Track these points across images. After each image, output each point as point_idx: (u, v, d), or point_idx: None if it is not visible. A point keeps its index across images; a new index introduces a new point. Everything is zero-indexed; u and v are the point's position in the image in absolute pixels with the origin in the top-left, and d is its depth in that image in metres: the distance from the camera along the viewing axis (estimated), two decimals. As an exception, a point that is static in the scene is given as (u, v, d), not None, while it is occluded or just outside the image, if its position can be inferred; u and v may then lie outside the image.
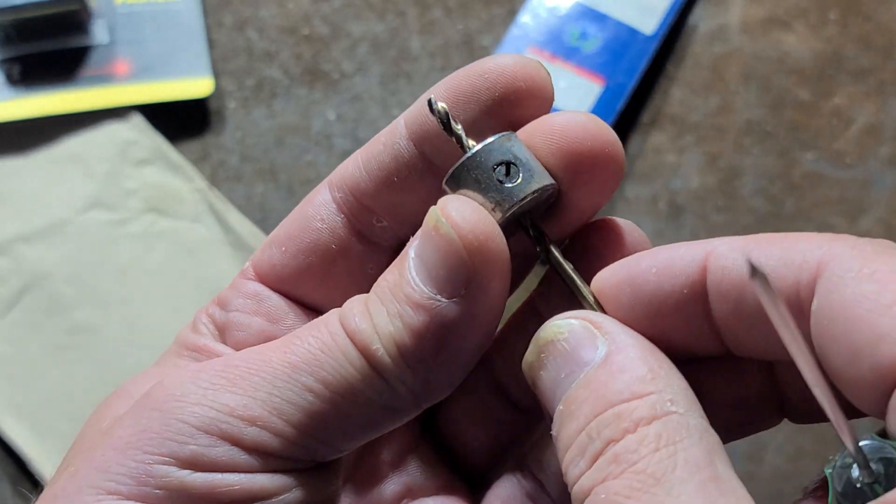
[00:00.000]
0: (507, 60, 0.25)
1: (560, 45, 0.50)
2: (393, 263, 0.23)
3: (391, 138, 0.25)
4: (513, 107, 0.24)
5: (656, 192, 0.50)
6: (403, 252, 0.23)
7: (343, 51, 0.53)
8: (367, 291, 0.23)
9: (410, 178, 0.24)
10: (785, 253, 0.23)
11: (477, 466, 0.27)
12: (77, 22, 0.50)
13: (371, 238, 0.25)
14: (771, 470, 0.45)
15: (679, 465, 0.19)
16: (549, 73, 0.25)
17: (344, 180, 0.25)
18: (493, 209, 0.23)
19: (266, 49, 0.53)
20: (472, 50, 0.53)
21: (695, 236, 0.49)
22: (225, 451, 0.21)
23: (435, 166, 0.24)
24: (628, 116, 0.51)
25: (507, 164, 0.23)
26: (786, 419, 0.24)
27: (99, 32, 0.51)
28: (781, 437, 0.46)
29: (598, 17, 0.51)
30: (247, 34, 0.53)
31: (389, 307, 0.22)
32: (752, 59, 0.52)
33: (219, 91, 0.52)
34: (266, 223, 0.49)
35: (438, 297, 0.22)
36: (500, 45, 0.50)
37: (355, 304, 0.23)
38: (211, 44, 0.52)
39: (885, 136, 0.51)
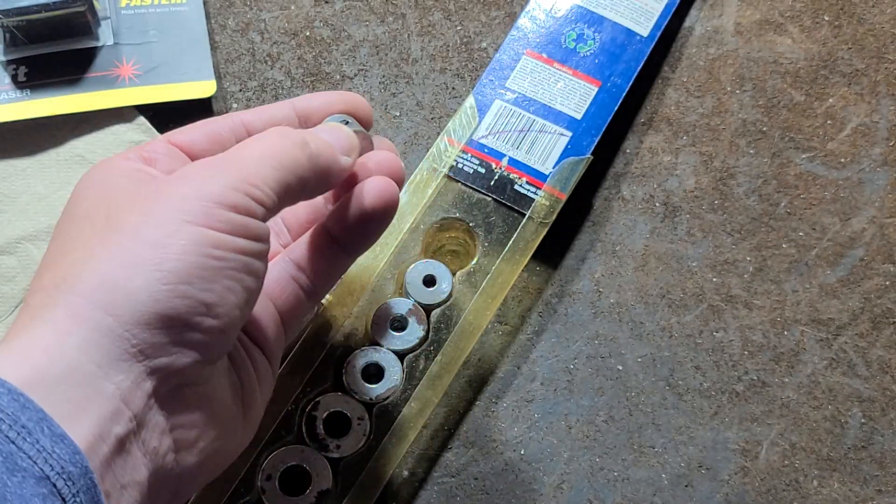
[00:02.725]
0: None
1: (557, 48, 0.50)
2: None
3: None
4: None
5: (652, 192, 0.50)
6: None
7: (344, 53, 0.53)
8: None
9: None
10: None
11: None
12: (82, 24, 0.50)
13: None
14: (765, 465, 0.46)
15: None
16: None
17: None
18: None
19: (268, 51, 0.53)
20: (472, 52, 0.53)
21: (690, 235, 0.50)
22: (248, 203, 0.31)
23: None
24: (625, 118, 0.52)
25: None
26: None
27: (104, 34, 0.51)
28: (775, 432, 0.46)
29: (596, 20, 0.51)
30: (249, 37, 0.54)
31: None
32: (746, 61, 0.53)
33: (222, 93, 0.52)
34: (268, 223, 0.49)
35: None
36: (499, 51, 0.51)
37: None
38: (214, 46, 0.53)
39: (878, 136, 0.51)
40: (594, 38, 0.50)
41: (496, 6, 0.54)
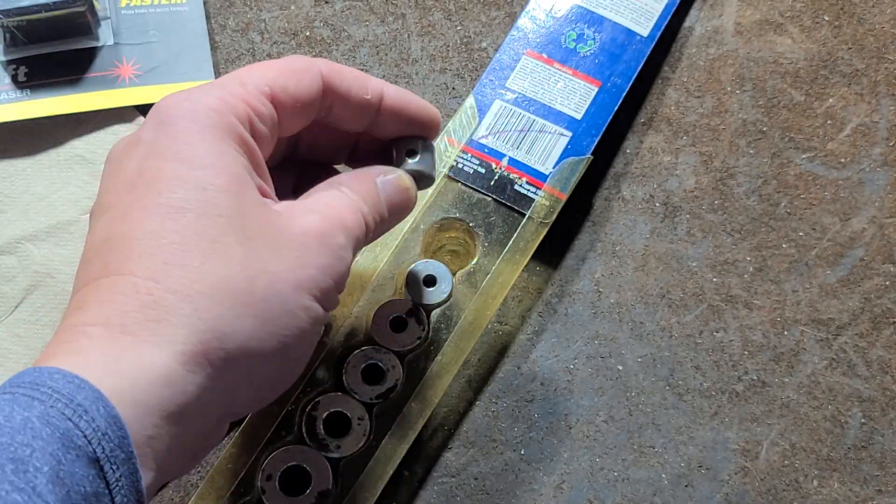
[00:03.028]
0: None
1: (557, 48, 0.50)
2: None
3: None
4: None
5: (652, 192, 0.51)
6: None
7: (344, 53, 0.53)
8: None
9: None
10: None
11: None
12: (82, 24, 0.50)
13: None
14: (765, 465, 0.46)
15: None
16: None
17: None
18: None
19: (268, 52, 0.53)
20: (471, 52, 0.53)
21: (690, 235, 0.50)
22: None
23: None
24: (625, 118, 0.52)
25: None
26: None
27: (104, 34, 0.51)
28: (775, 432, 0.46)
29: (596, 20, 0.51)
30: (250, 37, 0.54)
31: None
32: (746, 61, 0.53)
33: (222, 92, 0.52)
34: (268, 223, 0.49)
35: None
36: (499, 51, 0.51)
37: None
38: (214, 46, 0.53)
39: (878, 136, 0.51)
40: (594, 38, 0.50)
41: (496, 6, 0.54)
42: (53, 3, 0.48)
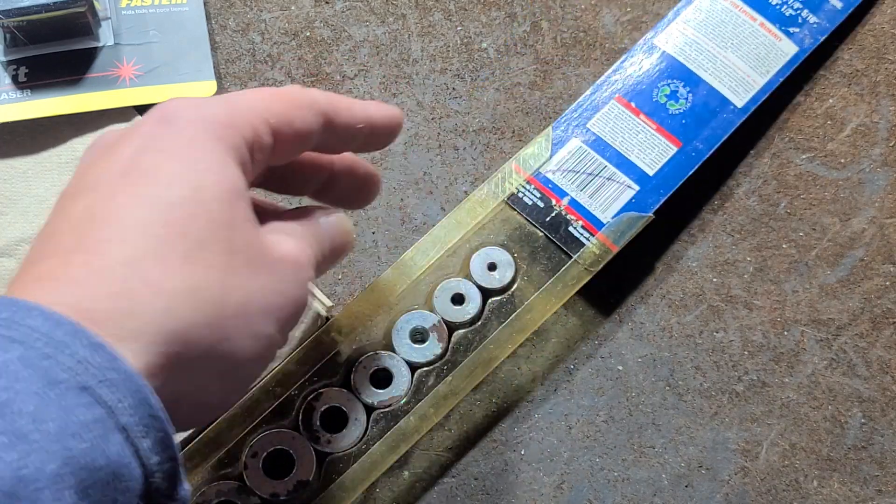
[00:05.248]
0: None
1: (647, 101, 0.49)
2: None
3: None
4: None
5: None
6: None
7: (344, 54, 0.53)
8: None
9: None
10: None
11: None
12: (82, 24, 0.50)
13: None
14: (765, 466, 0.46)
15: None
16: None
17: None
18: None
19: (269, 52, 0.53)
20: (472, 53, 0.53)
21: (690, 235, 0.50)
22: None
23: None
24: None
25: None
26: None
27: (104, 35, 0.51)
28: (775, 433, 0.46)
29: (693, 80, 0.50)
30: (250, 37, 0.54)
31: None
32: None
33: (222, 93, 0.52)
34: (269, 223, 0.49)
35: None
36: (592, 89, 0.49)
37: None
38: (214, 46, 0.53)
39: (878, 137, 0.52)
40: (687, 98, 0.49)
41: (496, 6, 0.54)
42: (54, 3, 0.48)
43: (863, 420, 0.46)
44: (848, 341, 0.48)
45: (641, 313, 0.48)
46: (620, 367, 0.47)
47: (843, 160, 0.51)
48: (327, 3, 0.54)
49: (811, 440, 0.46)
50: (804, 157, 0.51)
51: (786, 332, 0.48)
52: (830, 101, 0.52)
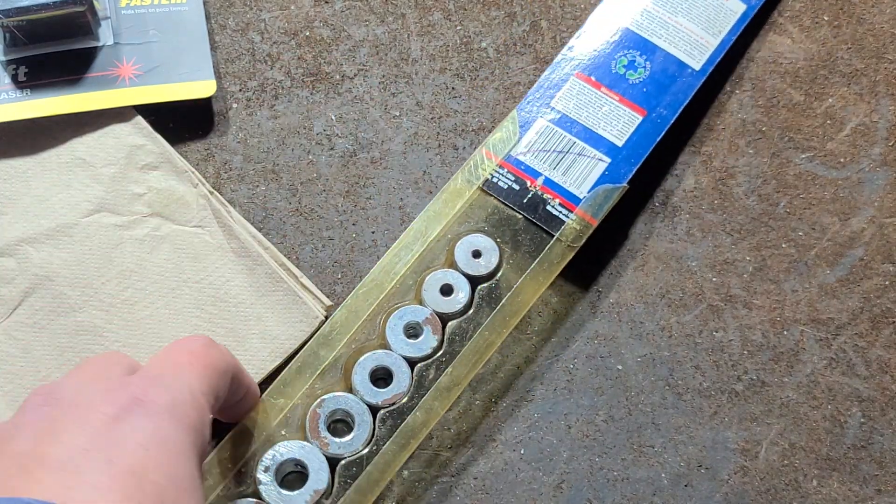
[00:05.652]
0: None
1: (606, 73, 0.50)
2: None
3: None
4: None
5: (652, 192, 0.51)
6: None
7: (344, 53, 0.53)
8: None
9: None
10: None
11: None
12: (82, 24, 0.50)
13: None
14: (765, 465, 0.46)
15: None
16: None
17: None
18: None
19: (268, 52, 0.53)
20: (471, 52, 0.53)
21: (690, 235, 0.50)
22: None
23: None
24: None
25: None
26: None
27: (104, 34, 0.51)
28: (774, 432, 0.46)
29: (649, 48, 0.50)
30: (249, 37, 0.54)
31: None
32: (745, 61, 0.53)
33: (222, 93, 0.52)
34: (268, 222, 0.49)
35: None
36: (549, 68, 0.50)
37: None
38: (214, 46, 0.53)
39: (878, 136, 0.52)
40: (645, 67, 0.50)
41: (496, 6, 0.54)
42: (53, 3, 0.48)
43: (862, 419, 0.46)
44: (847, 341, 0.48)
45: (641, 313, 0.48)
46: (620, 367, 0.47)
47: (842, 160, 0.51)
48: (327, 2, 0.54)
49: (811, 439, 0.46)
50: (804, 156, 0.51)
51: (785, 332, 0.48)
52: (830, 100, 0.52)
